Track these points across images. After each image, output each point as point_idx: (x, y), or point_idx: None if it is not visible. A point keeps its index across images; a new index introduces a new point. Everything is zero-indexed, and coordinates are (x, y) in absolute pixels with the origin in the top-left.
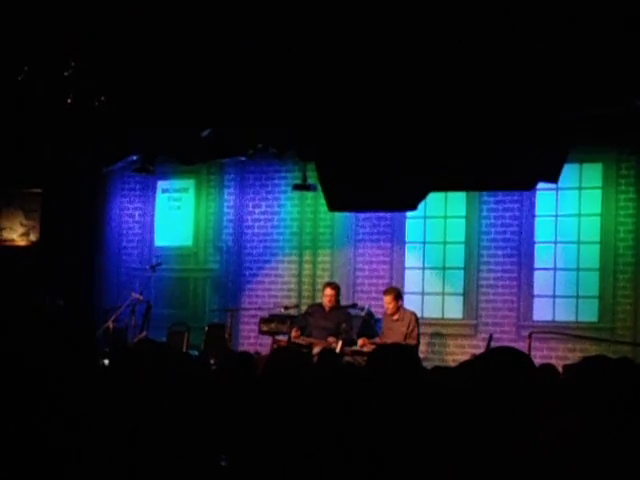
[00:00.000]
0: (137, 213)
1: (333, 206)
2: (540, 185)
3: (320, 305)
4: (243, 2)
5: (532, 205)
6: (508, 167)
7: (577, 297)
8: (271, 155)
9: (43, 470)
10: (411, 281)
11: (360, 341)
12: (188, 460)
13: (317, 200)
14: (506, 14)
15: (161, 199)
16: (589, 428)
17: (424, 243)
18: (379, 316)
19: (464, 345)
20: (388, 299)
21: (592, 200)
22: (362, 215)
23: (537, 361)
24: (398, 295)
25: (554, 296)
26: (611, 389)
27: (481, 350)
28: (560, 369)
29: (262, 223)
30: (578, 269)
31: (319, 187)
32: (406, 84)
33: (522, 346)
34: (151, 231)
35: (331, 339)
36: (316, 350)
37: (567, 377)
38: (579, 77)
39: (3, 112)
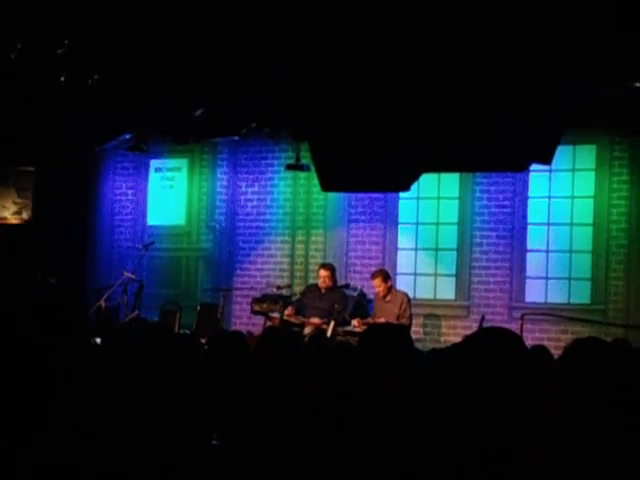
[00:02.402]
0: (130, 192)
1: (326, 186)
2: (533, 167)
3: (316, 286)
4: None
5: (525, 186)
6: (501, 148)
7: (569, 279)
8: (264, 135)
9: (34, 448)
10: (404, 262)
11: (355, 322)
12: (179, 439)
13: (310, 180)
14: None
15: (154, 178)
16: (581, 410)
17: (417, 224)
18: (371, 297)
19: (456, 326)
20: (377, 282)
21: (585, 182)
22: (355, 195)
23: (529, 343)
24: (386, 276)
25: (546, 278)
26: (604, 371)
27: (473, 331)
28: (552, 351)
29: (255, 203)
30: (571, 251)
31: (312, 167)
32: (400, 65)
33: (514, 327)
34: (144, 210)
35: (315, 320)
36: (307, 330)
37: (559, 358)
38: (573, 59)
39: None
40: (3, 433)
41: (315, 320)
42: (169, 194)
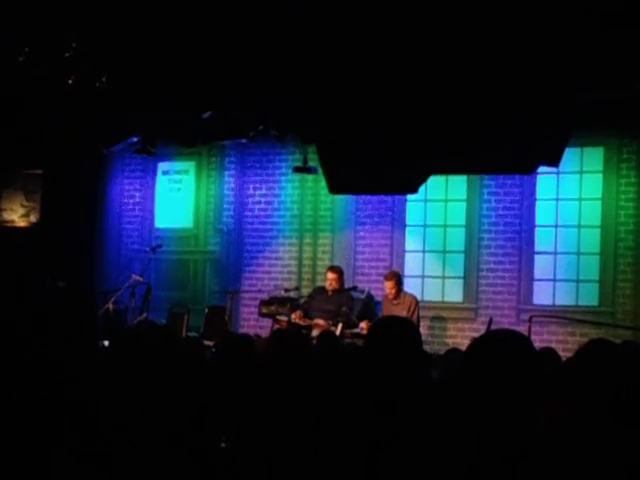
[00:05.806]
0: (137, 195)
1: (334, 189)
2: (541, 169)
3: (323, 288)
4: None
5: (533, 189)
6: (509, 150)
7: (577, 281)
8: (272, 137)
9: (41, 452)
10: (411, 264)
11: (363, 324)
12: (188, 442)
13: (318, 183)
14: None
15: (161, 181)
16: (590, 412)
17: (425, 226)
18: (379, 299)
19: (464, 329)
20: (390, 284)
21: (593, 184)
22: (363, 198)
23: (537, 345)
24: (399, 279)
25: (554, 280)
26: (614, 373)
27: (481, 334)
28: (560, 353)
29: (262, 205)
30: (579, 253)
31: (320, 169)
32: (407, 67)
33: (522, 330)
34: (151, 213)
35: (320, 321)
36: (315, 333)
37: (569, 360)
38: (581, 60)
39: (4, 93)
40: (8, 437)
41: (320, 322)
42: (177, 197)
